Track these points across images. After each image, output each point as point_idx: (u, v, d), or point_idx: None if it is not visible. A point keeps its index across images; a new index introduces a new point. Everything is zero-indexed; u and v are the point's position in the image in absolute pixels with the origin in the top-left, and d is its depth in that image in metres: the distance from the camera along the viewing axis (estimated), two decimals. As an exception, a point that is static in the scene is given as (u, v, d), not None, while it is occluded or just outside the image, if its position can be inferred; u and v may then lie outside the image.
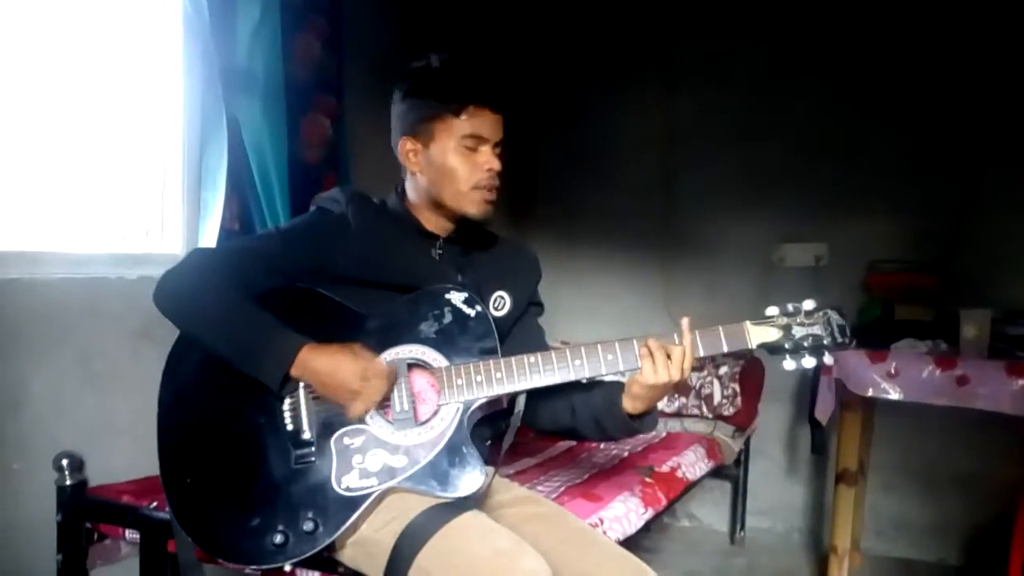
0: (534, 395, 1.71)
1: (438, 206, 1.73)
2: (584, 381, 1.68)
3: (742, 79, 3.80)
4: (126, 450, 2.22)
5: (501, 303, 1.79)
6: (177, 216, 2.57)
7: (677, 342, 1.59)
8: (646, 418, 1.68)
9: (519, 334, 1.83)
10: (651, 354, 1.57)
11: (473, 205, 1.70)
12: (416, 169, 1.73)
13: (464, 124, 1.67)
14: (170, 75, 2.54)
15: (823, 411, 2.96)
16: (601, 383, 1.75)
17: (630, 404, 1.64)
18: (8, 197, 2.19)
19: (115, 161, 2.45)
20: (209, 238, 2.46)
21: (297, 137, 2.75)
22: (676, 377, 1.57)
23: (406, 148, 1.73)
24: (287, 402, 1.58)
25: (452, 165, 1.68)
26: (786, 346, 1.61)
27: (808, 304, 1.62)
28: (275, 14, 2.57)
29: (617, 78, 4.07)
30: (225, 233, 2.46)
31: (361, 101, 3.03)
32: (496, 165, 1.69)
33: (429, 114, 1.69)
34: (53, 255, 2.22)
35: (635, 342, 1.61)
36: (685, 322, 1.61)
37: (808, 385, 3.19)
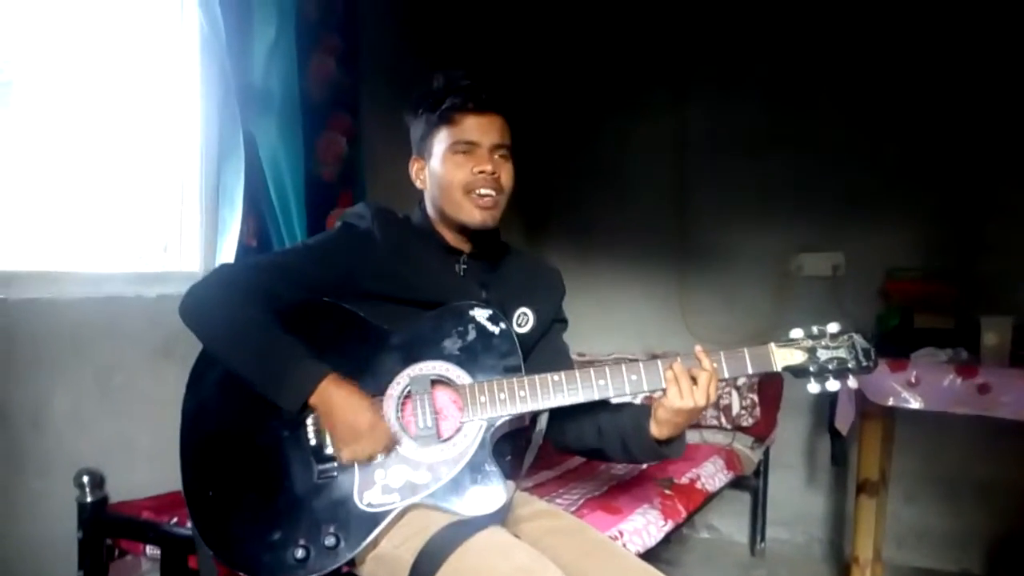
0: (561, 414, 1.71)
1: (444, 219, 1.74)
2: (611, 401, 1.67)
3: (755, 91, 3.80)
4: (146, 467, 2.23)
5: (524, 320, 1.79)
6: (195, 234, 2.58)
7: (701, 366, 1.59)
8: (673, 443, 1.67)
9: (544, 351, 1.83)
10: (677, 379, 1.57)
11: (467, 213, 1.69)
12: (423, 186, 1.77)
13: (452, 131, 1.69)
14: (187, 94, 2.56)
15: (843, 421, 2.94)
16: (629, 406, 1.74)
17: (656, 429, 1.63)
18: (27, 217, 2.21)
19: (133, 180, 2.47)
20: (227, 255, 2.48)
21: (313, 155, 2.77)
22: (702, 403, 1.56)
23: (414, 169, 1.78)
24: (311, 417, 1.58)
25: (444, 171, 1.69)
26: (811, 369, 1.61)
27: (833, 327, 1.62)
28: (290, 33, 2.59)
29: (630, 92, 4.08)
30: (243, 250, 2.47)
31: (377, 118, 3.05)
32: (488, 166, 1.68)
33: (427, 130, 1.73)
34: (72, 274, 2.23)
35: (660, 364, 1.60)
36: (698, 350, 1.60)
37: (827, 395, 3.16)
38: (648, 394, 1.63)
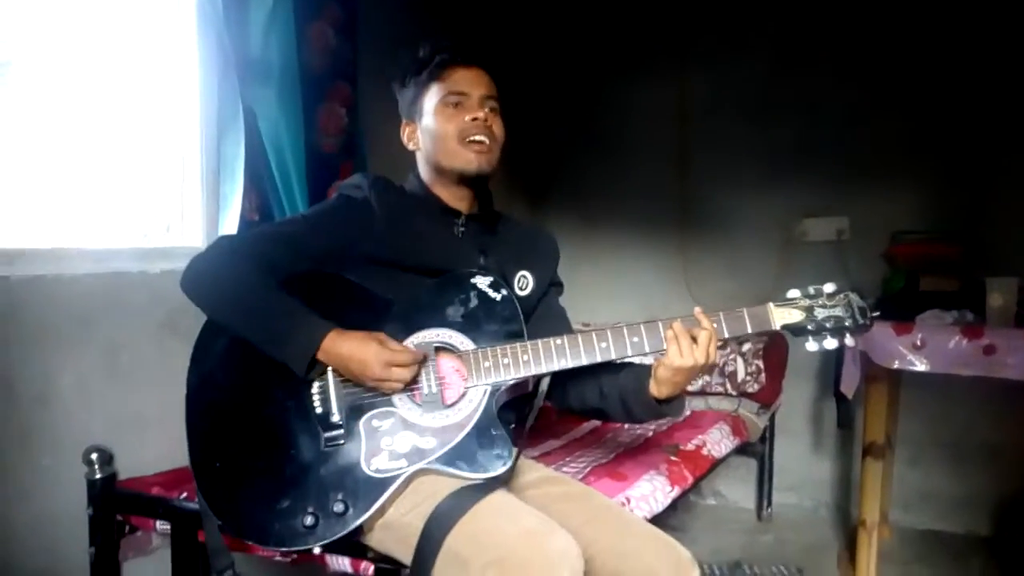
0: (563, 376, 1.72)
1: (441, 172, 1.76)
2: (615, 362, 1.68)
3: (758, 56, 3.77)
4: (154, 442, 2.24)
5: (524, 283, 1.81)
6: (197, 209, 2.58)
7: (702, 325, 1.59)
8: (673, 403, 1.69)
9: (543, 315, 1.84)
10: (676, 337, 1.58)
11: (464, 160, 1.72)
12: (416, 147, 1.81)
13: (443, 85, 1.74)
14: (185, 68, 2.54)
15: (848, 385, 2.94)
16: (630, 365, 1.75)
17: (656, 388, 1.64)
18: (30, 195, 2.21)
19: (134, 156, 2.47)
20: (229, 230, 2.47)
21: (314, 126, 2.75)
22: (702, 360, 1.58)
23: (406, 132, 1.82)
24: (316, 385, 1.59)
25: (437, 124, 1.73)
26: (809, 327, 1.64)
27: (829, 287, 1.65)
28: (288, 3, 2.57)
29: (632, 57, 4.05)
30: (245, 224, 2.47)
31: (377, 89, 3.00)
32: (479, 113, 1.71)
33: (417, 92, 1.77)
34: (76, 251, 2.23)
35: (660, 324, 1.61)
36: (698, 310, 1.61)
37: (832, 359, 3.17)
38: (650, 356, 1.64)
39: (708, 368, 1.64)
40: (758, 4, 3.77)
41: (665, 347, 1.60)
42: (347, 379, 1.58)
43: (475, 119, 1.71)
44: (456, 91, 1.72)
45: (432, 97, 1.74)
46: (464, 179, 1.75)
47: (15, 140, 2.18)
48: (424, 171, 1.81)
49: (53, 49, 2.24)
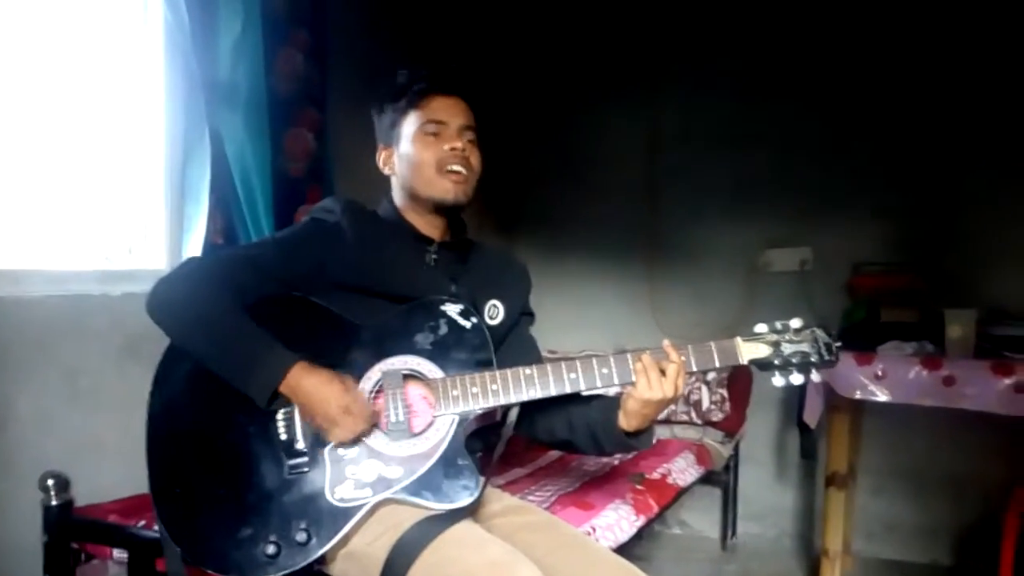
0: (532, 407, 1.71)
1: (416, 199, 1.74)
2: (583, 394, 1.68)
3: (726, 87, 3.82)
4: (112, 469, 2.20)
5: (495, 312, 1.80)
6: (160, 231, 2.55)
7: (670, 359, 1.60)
8: (642, 436, 1.68)
9: (513, 344, 1.83)
10: (646, 370, 1.58)
11: (442, 190, 1.70)
12: (392, 172, 1.79)
13: (422, 113, 1.72)
14: (152, 89, 2.53)
15: (811, 415, 2.96)
16: (599, 398, 1.75)
17: (625, 421, 1.64)
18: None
19: (97, 177, 2.44)
20: (193, 253, 2.45)
21: (281, 151, 2.75)
22: (670, 393, 1.58)
23: (382, 157, 1.80)
24: (281, 412, 1.56)
25: (415, 152, 1.71)
26: (775, 362, 1.64)
27: (795, 322, 1.65)
28: (257, 27, 2.56)
29: (603, 87, 4.09)
30: (210, 247, 2.44)
31: (345, 114, 3.03)
32: (457, 144, 1.70)
33: (395, 118, 1.75)
34: (36, 273, 2.20)
35: (629, 357, 1.61)
36: (667, 343, 1.61)
37: (796, 390, 3.18)
38: (619, 387, 1.64)
39: (676, 400, 1.64)
40: (726, 37, 3.82)
41: (634, 379, 1.60)
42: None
43: (453, 149, 1.70)
44: (435, 119, 1.71)
45: (410, 124, 1.73)
46: (439, 208, 1.74)
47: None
48: (398, 197, 1.79)
49: (17, 67, 2.22)
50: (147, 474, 1.57)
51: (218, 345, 1.53)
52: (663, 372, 1.58)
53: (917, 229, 3.51)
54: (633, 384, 1.60)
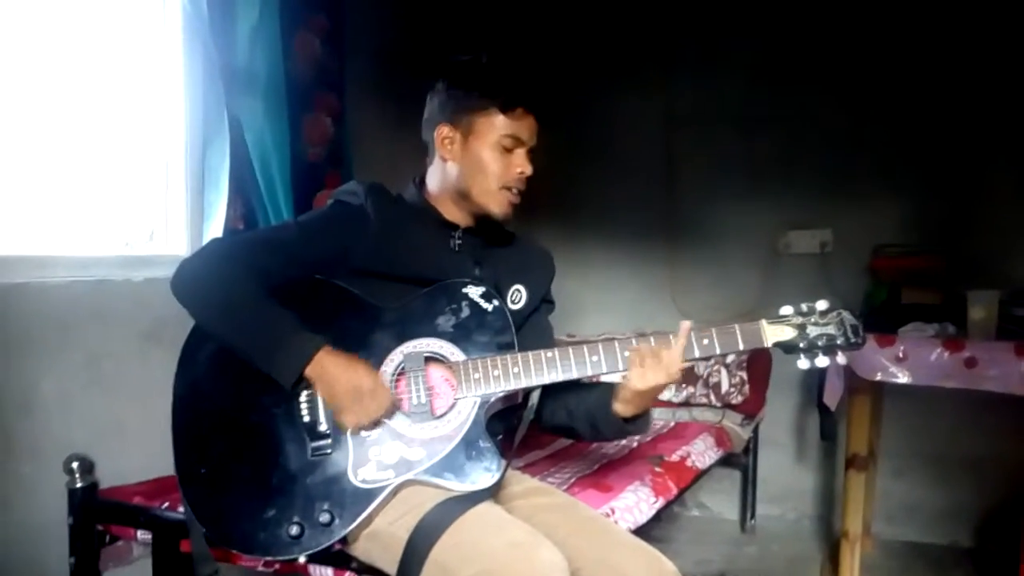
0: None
1: (463, 198, 1.74)
2: (602, 378, 1.69)
3: (744, 67, 3.79)
4: (136, 451, 2.22)
5: (518, 297, 1.81)
6: (181, 217, 2.56)
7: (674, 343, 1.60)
8: (638, 421, 1.70)
9: (529, 331, 1.83)
10: (640, 359, 1.58)
11: (498, 205, 1.72)
12: (449, 157, 1.74)
13: (508, 123, 1.70)
14: (171, 76, 2.53)
15: (832, 397, 2.95)
16: (598, 384, 1.77)
17: (621, 407, 1.65)
18: (13, 202, 2.19)
19: (118, 164, 2.45)
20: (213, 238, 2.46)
21: (299, 136, 2.75)
22: (663, 381, 1.59)
23: (443, 135, 1.74)
24: (304, 394, 1.58)
25: (488, 160, 1.70)
26: (801, 345, 1.64)
27: (822, 304, 1.64)
28: (274, 12, 2.56)
29: (618, 69, 4.06)
30: (230, 233, 2.45)
31: (363, 98, 3.03)
32: (528, 170, 1.72)
33: (474, 106, 1.71)
34: (59, 259, 2.21)
35: (652, 340, 1.61)
36: (685, 326, 1.61)
37: (816, 371, 3.17)
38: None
39: (672, 384, 1.63)
40: (743, 17, 3.79)
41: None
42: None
43: (522, 173, 1.72)
44: (517, 135, 1.71)
45: (492, 126, 1.70)
46: (482, 215, 1.75)
47: (-1, 146, 2.16)
48: (441, 180, 1.77)
49: (38, 56, 2.23)
50: (172, 455, 1.59)
51: (244, 328, 1.54)
52: (657, 359, 1.58)
53: (939, 210, 3.48)
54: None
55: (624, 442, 2.96)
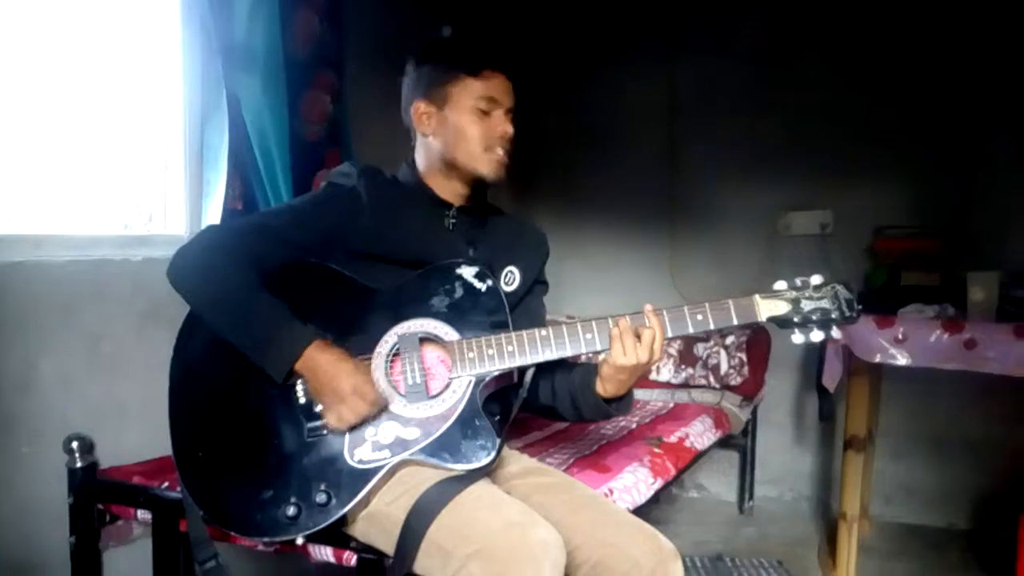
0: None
1: (452, 167, 1.74)
2: (567, 361, 1.69)
3: (746, 49, 3.77)
4: (136, 431, 2.23)
5: (511, 278, 1.80)
6: (180, 197, 2.56)
7: (648, 324, 1.59)
8: (619, 402, 1.70)
9: (522, 311, 1.83)
10: (621, 336, 1.58)
11: (486, 165, 1.71)
12: (429, 132, 1.75)
13: (480, 85, 1.70)
14: (169, 54, 2.52)
15: (830, 378, 2.95)
16: (581, 364, 1.77)
17: (601, 386, 1.66)
18: (12, 181, 2.19)
19: (116, 143, 2.44)
20: (212, 218, 2.45)
21: (298, 114, 2.74)
22: (644, 359, 1.58)
23: (419, 111, 1.75)
24: (299, 378, 1.58)
25: (466, 125, 1.70)
26: (795, 320, 1.63)
27: (816, 279, 1.64)
28: (273, -10, 2.55)
29: (620, 49, 4.04)
30: (228, 213, 2.45)
31: (362, 77, 3.02)
32: (509, 130, 1.72)
33: (445, 77, 1.72)
34: (58, 238, 2.21)
35: (609, 321, 1.61)
36: (648, 308, 1.60)
37: (815, 353, 3.18)
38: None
39: (653, 364, 1.63)
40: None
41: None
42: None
43: (503, 133, 1.71)
44: (491, 96, 1.70)
45: (464, 93, 1.70)
46: (474, 181, 1.74)
47: (-3, 126, 2.16)
48: (425, 159, 1.78)
49: (35, 35, 2.22)
50: (170, 437, 1.59)
51: (236, 320, 1.55)
52: (639, 337, 1.58)
53: (939, 192, 3.47)
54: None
55: (623, 423, 2.96)
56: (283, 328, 1.53)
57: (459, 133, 1.71)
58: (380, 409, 1.56)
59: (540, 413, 1.90)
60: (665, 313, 1.60)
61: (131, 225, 2.50)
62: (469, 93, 1.70)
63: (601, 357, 1.64)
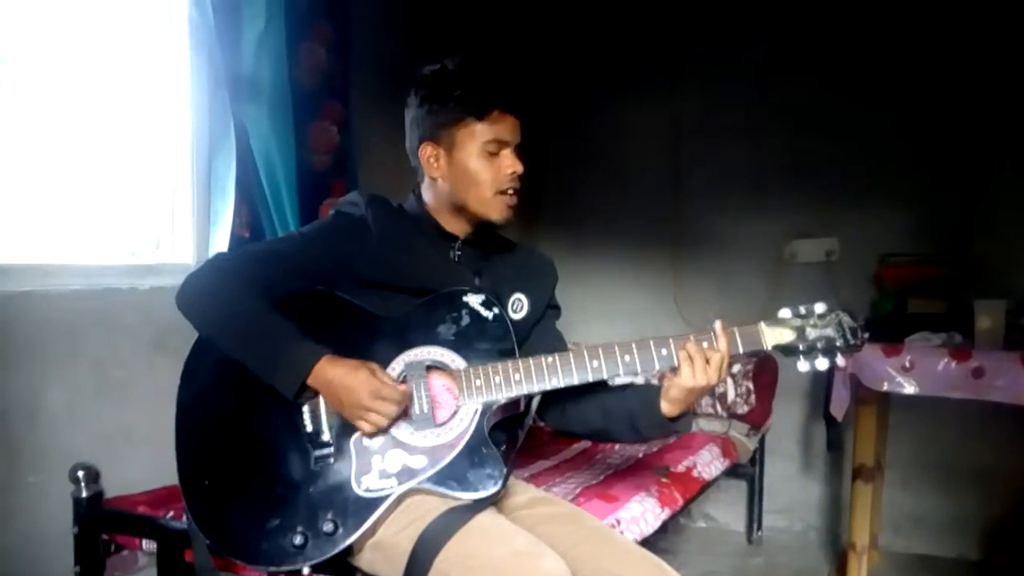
0: (562, 397, 1.72)
1: (460, 210, 1.73)
2: (609, 382, 1.68)
3: (748, 75, 3.79)
4: (142, 461, 2.22)
5: (519, 305, 1.80)
6: (187, 225, 2.57)
7: (708, 344, 1.60)
8: (682, 419, 1.68)
9: (538, 338, 1.84)
10: (691, 358, 1.58)
11: (496, 211, 1.71)
12: (438, 175, 1.73)
13: (487, 129, 1.69)
14: (177, 84, 2.54)
15: (838, 407, 2.94)
16: (634, 385, 1.77)
17: (667, 407, 1.64)
18: (19, 210, 2.20)
19: (124, 172, 2.46)
20: (220, 247, 2.47)
21: (305, 144, 2.75)
22: (714, 381, 1.58)
23: (427, 154, 1.73)
24: (307, 404, 1.58)
25: (476, 170, 1.69)
26: (800, 347, 1.63)
27: (820, 307, 1.64)
28: (280, 21, 2.57)
29: (623, 75, 4.06)
30: (236, 241, 2.46)
31: (368, 106, 3.04)
32: (519, 168, 1.71)
33: (451, 119, 1.70)
34: (65, 267, 2.22)
35: (652, 343, 1.61)
36: (718, 325, 1.61)
37: (822, 381, 3.17)
38: (642, 376, 1.64)
39: (718, 385, 1.64)
40: (746, 24, 3.79)
41: (657, 366, 1.60)
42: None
43: (513, 172, 1.70)
44: (501, 139, 1.69)
45: (473, 135, 1.68)
46: (482, 222, 1.74)
47: (5, 155, 2.17)
48: (433, 197, 1.77)
49: (43, 63, 2.24)
50: (176, 466, 1.59)
51: (246, 341, 1.55)
52: (707, 360, 1.58)
53: (945, 219, 3.46)
54: (673, 370, 1.60)
55: (629, 452, 2.96)
56: (293, 345, 1.53)
57: (469, 178, 1.69)
58: (406, 403, 1.55)
59: (590, 436, 1.91)
60: (692, 340, 1.60)
61: (138, 253, 2.51)
62: (477, 136, 1.69)
63: (665, 378, 1.64)
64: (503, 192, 1.70)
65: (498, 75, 1.72)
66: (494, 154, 1.70)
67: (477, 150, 1.69)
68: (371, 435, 1.55)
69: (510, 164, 1.70)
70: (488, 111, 1.68)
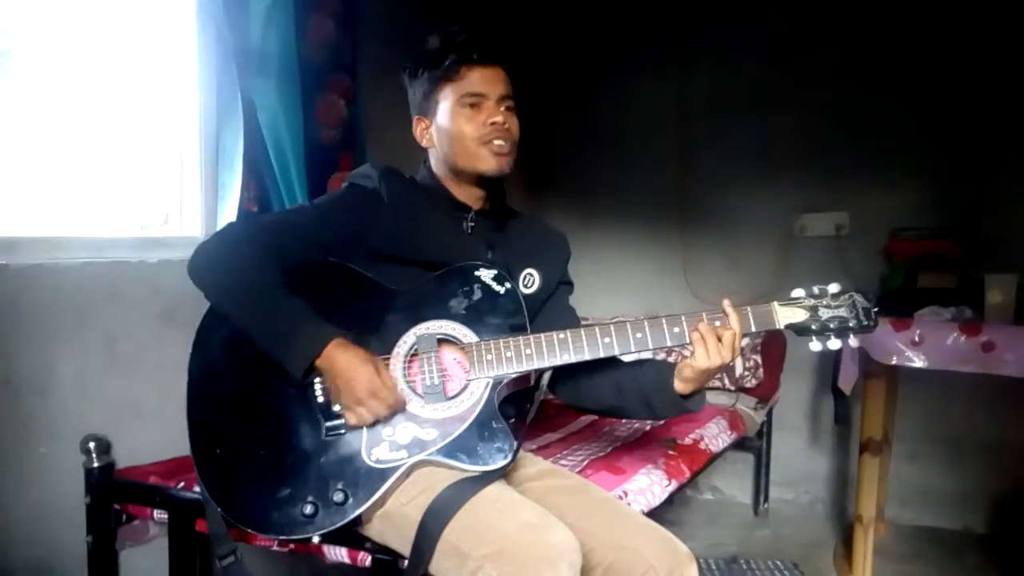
0: (576, 373, 1.73)
1: (457, 172, 1.73)
2: (624, 359, 1.69)
3: (758, 50, 3.76)
4: (152, 432, 2.24)
5: (531, 280, 1.80)
6: (195, 199, 2.57)
7: (719, 323, 1.60)
8: (696, 397, 1.69)
9: (550, 312, 1.84)
10: (703, 338, 1.58)
11: (484, 161, 1.69)
12: (430, 144, 1.76)
13: (458, 86, 1.69)
14: (185, 58, 2.54)
15: (846, 380, 2.94)
16: (650, 362, 1.76)
17: (681, 385, 1.65)
18: (28, 184, 2.20)
19: (133, 146, 2.46)
20: (228, 219, 2.47)
21: (313, 117, 2.74)
22: (728, 359, 1.59)
23: (419, 128, 1.77)
24: (318, 376, 1.58)
25: (456, 125, 1.69)
26: (813, 327, 1.63)
27: (834, 287, 1.64)
28: (288, -6, 2.56)
29: (633, 53, 4.04)
30: (244, 215, 2.46)
31: (376, 80, 3.03)
32: (498, 118, 1.68)
33: (430, 88, 1.72)
34: (74, 240, 2.23)
35: (664, 320, 1.61)
36: (727, 303, 1.61)
37: (831, 355, 3.16)
38: (652, 352, 1.64)
39: (732, 362, 1.64)
40: (759, 2, 3.76)
41: (668, 343, 1.61)
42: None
43: (494, 123, 1.68)
44: (474, 92, 1.68)
45: (448, 96, 1.70)
46: (482, 180, 1.73)
47: (14, 129, 2.17)
48: (438, 167, 1.78)
49: (53, 39, 2.24)
50: (187, 436, 1.60)
51: (258, 315, 1.55)
52: (720, 339, 1.58)
53: (955, 193, 3.45)
54: (670, 347, 1.61)
55: (637, 424, 2.96)
56: (304, 325, 1.53)
57: (450, 136, 1.70)
58: (397, 411, 1.56)
59: (603, 412, 1.92)
60: (704, 320, 1.60)
61: (147, 226, 2.51)
62: (450, 95, 1.70)
63: (681, 358, 1.64)
64: (487, 143, 1.68)
65: (461, 33, 1.71)
66: (474, 107, 1.69)
67: (453, 108, 1.69)
68: (352, 428, 1.55)
69: (489, 115, 1.68)
70: (455, 70, 1.69)
